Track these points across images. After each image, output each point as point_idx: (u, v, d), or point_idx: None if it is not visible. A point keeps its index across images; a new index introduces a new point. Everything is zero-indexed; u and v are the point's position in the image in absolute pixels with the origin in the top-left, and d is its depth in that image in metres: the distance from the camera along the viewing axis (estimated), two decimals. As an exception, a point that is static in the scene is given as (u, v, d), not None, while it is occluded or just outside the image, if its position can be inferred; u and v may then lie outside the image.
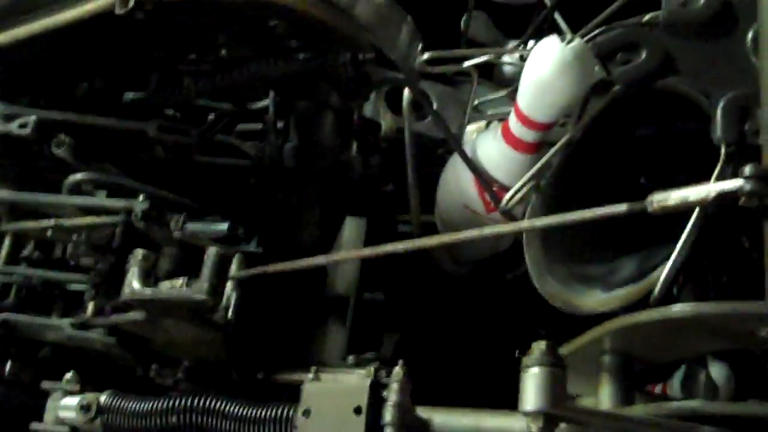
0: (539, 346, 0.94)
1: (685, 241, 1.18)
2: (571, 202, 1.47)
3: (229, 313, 1.41)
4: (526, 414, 0.91)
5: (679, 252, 1.19)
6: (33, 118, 1.57)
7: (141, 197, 1.42)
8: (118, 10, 1.51)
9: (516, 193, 1.49)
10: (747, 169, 1.06)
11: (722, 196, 1.09)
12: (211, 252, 1.33)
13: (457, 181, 1.65)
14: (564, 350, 1.00)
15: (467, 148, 1.63)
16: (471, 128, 1.77)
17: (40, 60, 1.67)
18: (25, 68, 1.70)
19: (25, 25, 1.61)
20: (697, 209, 1.16)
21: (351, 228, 1.85)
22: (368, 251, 1.36)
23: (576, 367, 1.01)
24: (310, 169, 1.75)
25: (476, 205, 1.63)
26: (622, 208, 1.15)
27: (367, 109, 1.83)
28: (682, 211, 1.12)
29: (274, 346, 1.55)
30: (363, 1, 1.69)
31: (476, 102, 1.80)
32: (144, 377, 1.53)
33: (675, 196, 1.11)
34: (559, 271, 1.45)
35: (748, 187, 1.05)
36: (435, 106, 1.84)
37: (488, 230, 1.30)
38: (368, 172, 1.77)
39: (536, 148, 1.55)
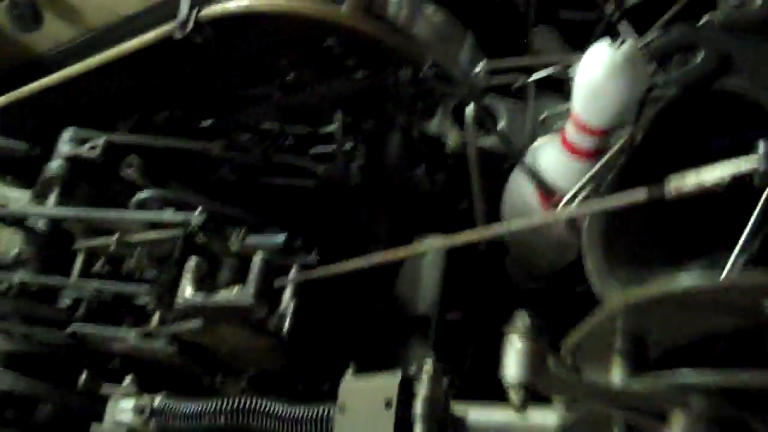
0: (522, 319, 0.93)
1: (753, 231, 1.15)
2: (636, 209, 1.45)
3: (285, 321, 1.43)
4: (507, 385, 0.90)
5: (746, 242, 1.16)
6: (101, 141, 1.64)
7: (198, 211, 1.46)
8: (177, 35, 1.58)
9: (573, 198, 1.48)
10: (761, 148, 1.03)
11: (738, 178, 1.06)
12: (257, 259, 1.36)
13: (520, 193, 1.65)
14: (577, 334, 0.98)
15: (529, 159, 1.62)
16: (542, 141, 1.76)
17: (114, 89, 1.75)
18: (101, 97, 1.78)
19: (97, 55, 1.70)
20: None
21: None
22: (406, 251, 1.36)
23: (589, 352, 0.99)
24: (377, 186, 1.76)
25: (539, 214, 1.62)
26: (642, 194, 1.13)
27: (435, 126, 1.84)
28: (700, 194, 1.09)
29: (340, 358, 1.56)
30: (422, 20, 1.72)
31: (545, 115, 1.79)
32: (210, 387, 1.56)
33: (691, 180, 1.09)
34: (621, 275, 1.42)
35: (763, 166, 1.02)
36: (504, 122, 1.83)
37: (527, 221, 1.29)
38: (434, 189, 1.77)
39: (595, 155, 1.53)
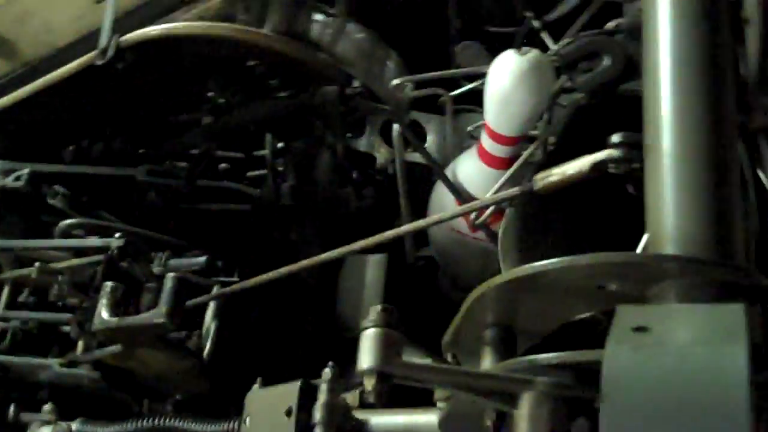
0: (375, 309, 0.94)
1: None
2: (549, 213, 1.46)
3: (205, 342, 1.43)
4: (361, 373, 0.91)
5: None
6: (26, 171, 1.65)
7: (117, 235, 1.47)
8: (98, 62, 1.60)
9: (486, 207, 1.49)
10: (615, 138, 1.07)
11: (597, 167, 1.08)
12: (170, 277, 1.37)
13: (441, 205, 1.66)
14: (450, 332, 0.99)
15: (449, 171, 1.63)
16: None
17: (45, 119, 1.76)
18: (35, 128, 1.79)
19: (26, 87, 1.71)
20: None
21: (373, 266, 1.86)
22: (328, 255, 1.37)
23: (464, 346, 1.00)
24: (307, 206, 1.77)
25: (461, 225, 1.63)
26: (515, 191, 1.15)
27: (363, 143, 1.85)
28: (565, 186, 1.12)
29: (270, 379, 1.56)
30: (345, 39, 1.74)
31: (471, 128, 1.80)
32: (140, 413, 1.56)
33: (556, 172, 1.12)
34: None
35: (616, 154, 1.05)
36: (432, 137, 1.85)
37: (435, 218, 1.36)
38: (363, 206, 1.79)
39: (510, 164, 1.54)
